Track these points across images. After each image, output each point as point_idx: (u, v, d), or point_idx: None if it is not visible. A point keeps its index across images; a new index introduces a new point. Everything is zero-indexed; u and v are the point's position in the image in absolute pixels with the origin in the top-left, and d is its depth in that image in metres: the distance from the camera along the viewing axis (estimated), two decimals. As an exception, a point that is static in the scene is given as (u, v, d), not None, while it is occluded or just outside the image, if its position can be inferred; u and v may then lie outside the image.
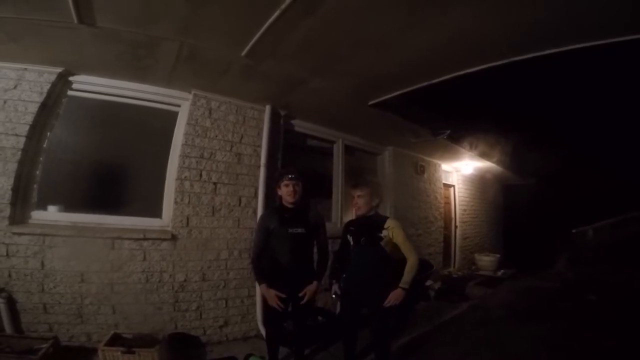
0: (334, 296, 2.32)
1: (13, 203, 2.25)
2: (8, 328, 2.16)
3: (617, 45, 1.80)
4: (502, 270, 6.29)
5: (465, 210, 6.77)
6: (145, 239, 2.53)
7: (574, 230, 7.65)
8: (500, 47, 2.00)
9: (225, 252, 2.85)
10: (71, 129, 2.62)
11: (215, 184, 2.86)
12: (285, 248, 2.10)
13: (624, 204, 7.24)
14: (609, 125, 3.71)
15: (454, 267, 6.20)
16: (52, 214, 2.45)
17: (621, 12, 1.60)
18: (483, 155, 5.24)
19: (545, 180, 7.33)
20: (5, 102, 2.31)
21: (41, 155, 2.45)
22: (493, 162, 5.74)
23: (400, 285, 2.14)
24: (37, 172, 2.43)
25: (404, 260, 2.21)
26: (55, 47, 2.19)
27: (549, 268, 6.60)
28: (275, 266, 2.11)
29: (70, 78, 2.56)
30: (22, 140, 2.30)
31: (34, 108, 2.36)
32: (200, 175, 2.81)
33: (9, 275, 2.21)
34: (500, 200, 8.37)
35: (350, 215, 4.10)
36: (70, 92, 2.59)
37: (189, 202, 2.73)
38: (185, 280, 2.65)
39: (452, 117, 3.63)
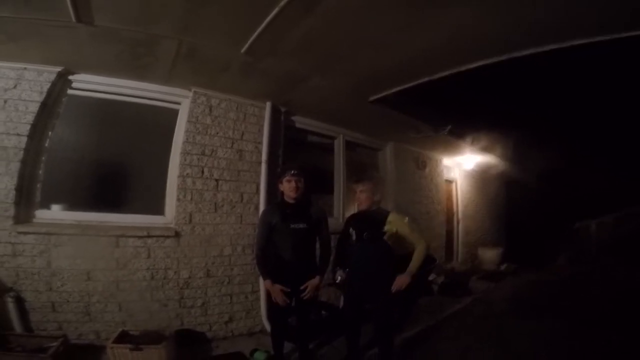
0: (338, 280, 2.32)
1: (17, 202, 2.27)
2: (18, 327, 2.18)
3: (618, 42, 1.79)
4: (505, 265, 6.28)
5: (467, 204, 6.75)
6: (149, 236, 2.55)
7: (576, 225, 7.63)
8: (500, 44, 2.00)
9: (229, 248, 2.87)
10: (72, 127, 2.62)
11: (217, 180, 2.87)
12: (287, 244, 2.11)
13: (628, 198, 7.19)
14: (612, 119, 3.69)
15: (457, 261, 6.21)
16: (56, 213, 2.47)
17: (622, 9, 1.59)
18: (485, 150, 5.21)
19: (548, 175, 7.29)
20: (5, 101, 2.31)
21: (43, 155, 2.46)
22: (495, 157, 5.71)
23: (407, 271, 2.15)
24: (40, 172, 2.44)
25: (406, 256, 2.22)
26: (54, 46, 2.18)
27: (552, 262, 6.60)
28: (277, 262, 2.13)
29: (70, 77, 2.55)
30: (24, 139, 2.31)
31: (34, 107, 2.36)
32: (202, 172, 2.81)
33: (17, 275, 2.24)
34: (503, 194, 8.33)
35: (352, 211, 4.12)
36: (70, 91, 2.58)
37: (191, 199, 2.74)
38: (189, 277, 2.68)
39: (454, 113, 3.61)
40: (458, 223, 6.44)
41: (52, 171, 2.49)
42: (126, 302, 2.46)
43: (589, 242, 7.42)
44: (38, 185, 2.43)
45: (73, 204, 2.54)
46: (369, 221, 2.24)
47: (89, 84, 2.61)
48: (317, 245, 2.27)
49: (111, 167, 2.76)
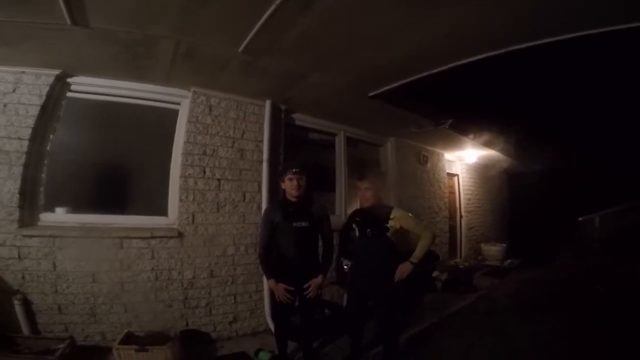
0: (345, 267, 2.34)
1: (21, 206, 2.28)
2: (25, 329, 2.21)
3: (620, 34, 1.75)
4: (508, 260, 6.25)
5: (470, 199, 6.72)
6: (152, 237, 2.56)
7: (580, 219, 7.58)
8: (499, 37, 1.96)
9: (232, 248, 2.88)
10: (73, 130, 2.62)
11: (219, 180, 2.87)
12: (290, 242, 2.12)
13: (631, 191, 7.13)
14: (615, 112, 3.63)
15: (461, 257, 6.19)
16: (60, 216, 2.48)
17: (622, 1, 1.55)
18: (487, 144, 5.17)
19: (551, 168, 7.23)
20: (5, 105, 2.31)
21: (45, 158, 2.47)
22: (497, 151, 5.67)
23: (411, 259, 2.15)
24: (43, 175, 2.45)
25: (409, 252, 2.21)
26: (51, 50, 2.17)
27: (556, 257, 6.56)
28: (280, 260, 2.13)
29: (69, 80, 2.55)
30: (26, 143, 2.31)
31: (34, 111, 2.36)
32: (204, 172, 2.81)
33: (23, 278, 2.26)
34: (505, 188, 8.29)
35: (354, 208, 4.11)
36: (69, 94, 2.58)
37: (193, 199, 2.74)
38: (193, 277, 2.69)
39: (454, 107, 3.57)
40: (461, 218, 6.42)
41: (54, 174, 2.50)
42: (131, 303, 2.49)
43: (593, 236, 7.38)
44: (41, 189, 2.44)
45: (77, 207, 2.55)
46: (373, 217, 2.24)
47: (87, 86, 2.61)
48: (320, 243, 2.26)
49: (113, 169, 2.77)
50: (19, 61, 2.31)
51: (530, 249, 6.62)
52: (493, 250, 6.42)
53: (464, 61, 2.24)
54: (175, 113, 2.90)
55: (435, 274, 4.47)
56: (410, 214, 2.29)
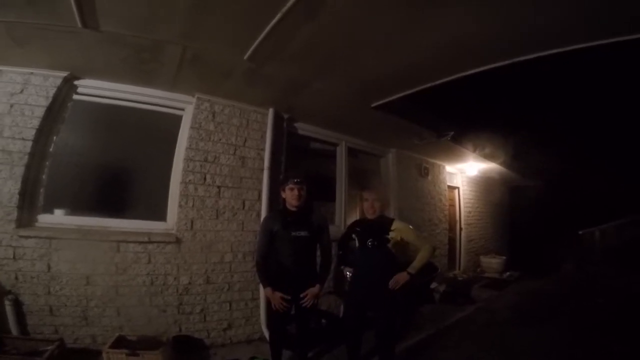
0: (348, 274, 2.31)
1: (20, 206, 2.28)
2: (14, 330, 2.18)
3: (622, 45, 1.78)
4: (508, 273, 6.22)
5: (470, 212, 6.71)
6: (150, 242, 2.54)
7: (580, 232, 7.56)
8: (503, 48, 1.99)
9: (230, 255, 2.85)
10: (77, 132, 2.64)
11: (219, 187, 2.87)
12: (288, 251, 2.10)
13: (632, 204, 7.13)
14: (616, 126, 3.67)
15: (459, 269, 6.14)
16: (58, 217, 2.48)
17: (623, 13, 1.59)
18: (488, 157, 5.19)
19: (551, 182, 7.25)
20: (12, 106, 2.34)
21: (47, 159, 2.48)
22: (498, 164, 5.69)
23: (408, 269, 2.13)
24: (44, 176, 2.45)
25: (408, 264, 2.19)
26: (61, 52, 2.22)
27: (556, 270, 6.53)
28: (278, 269, 2.12)
29: (76, 82, 2.59)
30: (29, 144, 2.33)
31: (40, 112, 2.39)
32: (205, 179, 2.81)
33: (16, 278, 2.24)
34: (506, 201, 8.29)
35: (354, 219, 4.09)
36: (75, 96, 2.62)
37: (193, 205, 2.74)
38: (189, 283, 2.66)
39: (456, 119, 3.61)
40: (461, 231, 6.39)
41: (55, 176, 2.51)
42: (125, 307, 2.45)
43: (593, 249, 7.35)
44: (41, 190, 2.44)
45: (76, 209, 2.55)
46: (374, 228, 2.23)
47: (94, 89, 2.65)
48: (318, 253, 2.25)
49: (114, 173, 2.77)
50: (29, 62, 2.35)
51: (531, 261, 6.58)
52: (492, 263, 6.38)
53: (466, 73, 2.27)
54: (178, 119, 2.93)
55: (433, 285, 4.42)
56: (411, 226, 2.28)
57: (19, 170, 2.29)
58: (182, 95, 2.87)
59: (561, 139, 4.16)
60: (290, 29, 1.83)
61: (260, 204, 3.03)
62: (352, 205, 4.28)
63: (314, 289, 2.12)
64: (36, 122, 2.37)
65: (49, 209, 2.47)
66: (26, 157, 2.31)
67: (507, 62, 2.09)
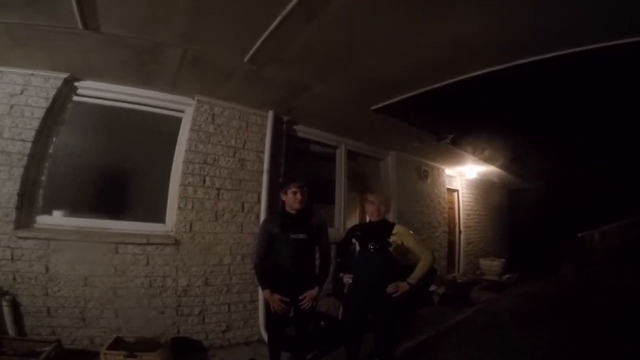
0: (348, 280, 2.30)
1: (19, 208, 2.27)
2: (11, 331, 2.17)
3: (624, 47, 1.79)
4: (507, 275, 6.22)
5: (469, 214, 6.71)
6: (148, 243, 2.54)
7: (580, 234, 7.56)
8: (503, 49, 1.99)
9: (228, 257, 2.85)
10: (76, 134, 2.64)
11: (218, 189, 2.87)
12: (287, 254, 2.10)
13: (631, 207, 7.14)
14: (616, 127, 3.68)
15: (459, 272, 6.14)
16: (57, 219, 2.47)
17: (624, 16, 1.60)
18: (487, 160, 5.20)
19: (551, 183, 7.26)
20: (11, 107, 2.34)
21: (47, 161, 2.48)
22: (497, 166, 5.70)
23: (408, 280, 2.12)
24: (43, 177, 2.45)
25: (408, 267, 2.19)
26: (61, 53, 2.22)
27: (555, 272, 6.53)
28: (277, 271, 2.12)
29: (76, 83, 2.59)
30: (29, 145, 2.33)
31: (39, 113, 2.39)
32: (204, 181, 2.81)
33: (14, 279, 2.23)
34: (505, 204, 8.30)
35: (353, 221, 4.10)
36: (75, 98, 2.62)
37: (192, 207, 2.74)
38: (188, 285, 2.65)
39: (456, 121, 3.62)
40: (460, 233, 6.39)
41: (55, 177, 2.50)
42: (123, 309, 2.44)
43: (592, 251, 7.35)
44: (40, 191, 2.43)
45: (74, 210, 2.55)
46: (375, 232, 2.23)
47: (94, 90, 2.65)
48: (317, 256, 2.25)
49: (113, 174, 2.77)
50: (29, 63, 2.35)
51: (530, 263, 6.58)
52: (492, 265, 6.39)
53: (467, 75, 2.28)
54: (178, 121, 2.93)
55: (432, 287, 4.42)
56: (411, 232, 2.28)
57: (18, 172, 2.28)
58: (182, 97, 2.88)
59: (560, 141, 4.17)
60: (291, 31, 1.83)
61: (260, 207, 3.03)
62: (352, 208, 4.29)
63: (313, 291, 2.11)
64: (36, 124, 2.37)
65: (47, 210, 2.46)
66: (25, 158, 2.31)
67: (507, 65, 2.10)
